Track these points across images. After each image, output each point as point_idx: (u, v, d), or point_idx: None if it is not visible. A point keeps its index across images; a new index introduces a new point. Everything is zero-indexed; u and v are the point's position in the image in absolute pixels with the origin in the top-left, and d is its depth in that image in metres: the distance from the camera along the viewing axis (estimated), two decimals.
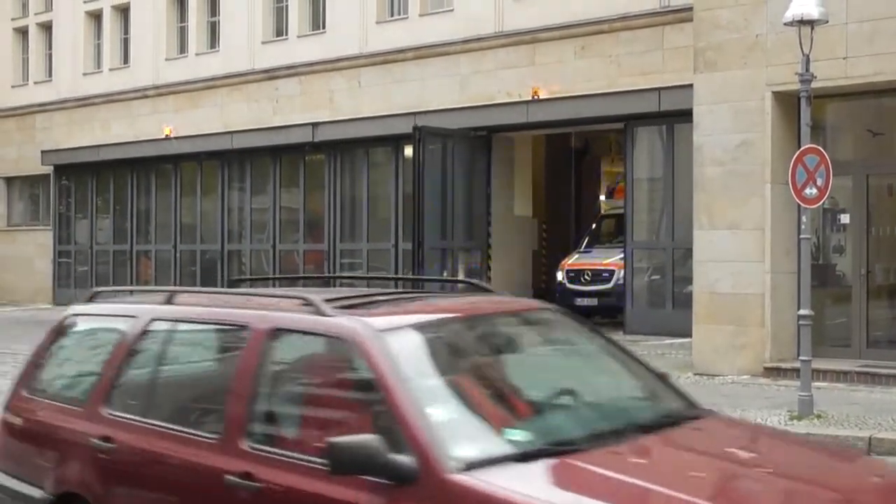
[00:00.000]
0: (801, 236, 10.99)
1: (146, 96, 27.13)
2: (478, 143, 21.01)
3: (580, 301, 19.78)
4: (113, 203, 28.93)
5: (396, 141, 21.97)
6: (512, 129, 21.13)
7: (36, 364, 6.22)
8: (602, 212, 22.79)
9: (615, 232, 21.24)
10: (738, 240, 13.59)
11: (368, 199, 23.13)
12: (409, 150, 20.61)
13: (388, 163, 22.87)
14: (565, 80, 19.62)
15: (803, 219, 10.97)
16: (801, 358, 10.88)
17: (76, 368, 6.19)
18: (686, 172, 15.75)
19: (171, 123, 26.26)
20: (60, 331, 6.26)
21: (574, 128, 21.77)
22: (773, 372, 13.20)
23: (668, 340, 17.22)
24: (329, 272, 23.42)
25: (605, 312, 20.55)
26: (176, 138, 26.09)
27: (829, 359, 13.07)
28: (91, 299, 6.35)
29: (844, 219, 13.77)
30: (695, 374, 13.64)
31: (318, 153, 23.95)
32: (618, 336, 18.34)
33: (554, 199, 24.39)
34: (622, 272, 19.25)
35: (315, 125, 23.25)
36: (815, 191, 10.69)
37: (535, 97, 19.80)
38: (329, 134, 23.08)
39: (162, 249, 27.47)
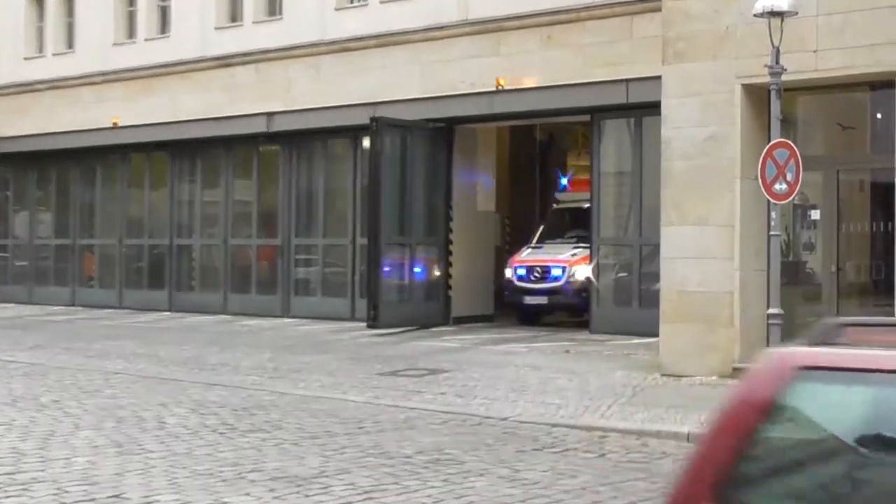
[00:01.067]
0: (771, 233, 11.01)
1: (92, 83, 26.77)
2: (438, 135, 20.95)
3: (529, 300, 19.82)
4: (56, 195, 28.56)
5: (355, 132, 21.85)
6: (475, 121, 21.10)
7: (722, 464, 3.33)
8: (556, 205, 22.65)
9: (569, 226, 21.25)
10: (707, 236, 13.59)
11: (325, 192, 23.02)
12: (367, 142, 20.50)
13: (346, 155, 22.75)
14: (531, 70, 19.56)
15: (773, 215, 10.98)
16: None
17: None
18: (654, 167, 15.74)
19: (118, 112, 25.93)
20: (772, 407, 3.35)
21: (539, 120, 21.78)
22: (742, 373, 13.16)
23: (635, 340, 17.20)
24: (282, 269, 23.28)
25: (555, 311, 20.56)
26: (124, 128, 25.78)
27: None
28: (829, 337, 3.42)
29: (815, 215, 13.84)
30: (662, 376, 13.63)
31: (274, 144, 23.81)
32: (583, 335, 18.38)
33: (518, 194, 24.38)
34: (575, 269, 19.28)
35: (270, 115, 23.08)
36: (784, 186, 10.71)
37: (500, 88, 19.73)
38: (285, 124, 22.92)
39: (106, 244, 27.16)
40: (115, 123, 25.91)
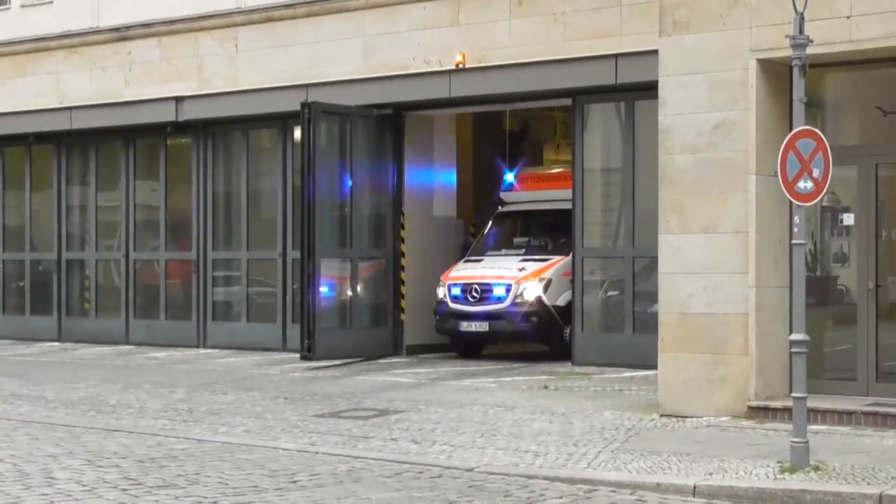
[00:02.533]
0: (794, 241, 10.99)
1: None
2: (386, 124, 20.92)
3: (466, 326, 19.54)
4: None
5: (283, 121, 21.83)
6: (430, 107, 21.09)
7: None
8: (501, 208, 22.12)
9: (517, 233, 21.09)
10: (715, 246, 13.58)
11: (248, 194, 22.92)
12: (298, 133, 20.41)
13: (273, 149, 22.70)
14: (498, 44, 19.57)
15: (796, 219, 10.97)
16: (793, 395, 10.86)
17: None
18: (650, 161, 15.75)
19: None
20: None
21: (509, 105, 21.78)
22: (760, 412, 13.20)
23: (628, 373, 17.23)
24: (198, 289, 23.10)
25: (498, 341, 20.32)
26: None
27: (829, 395, 13.09)
28: None
29: (848, 219, 13.88)
30: (661, 416, 13.61)
31: (184, 136, 23.72)
32: (564, 368, 18.38)
33: (484, 196, 24.34)
34: (524, 287, 19.11)
35: (179, 100, 23.00)
36: (810, 184, 10.70)
37: (460, 66, 19.74)
38: (197, 111, 22.84)
39: None
40: None
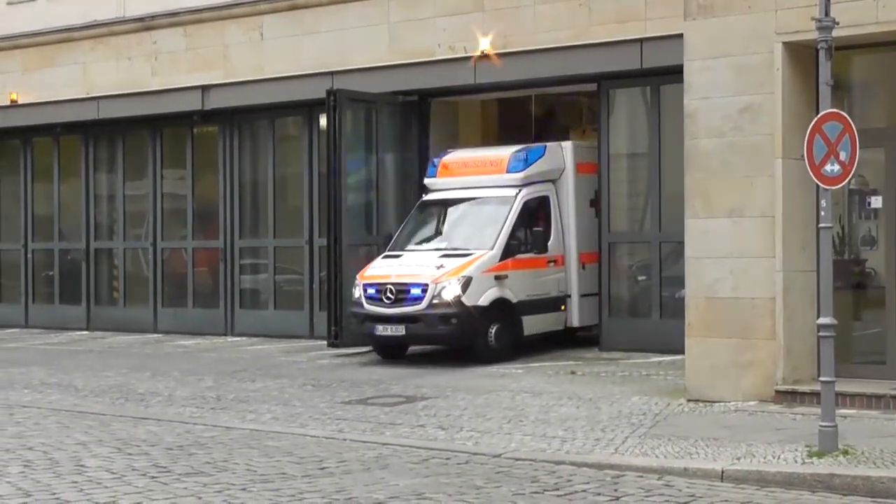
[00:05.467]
0: (821, 225, 10.95)
1: None
2: (411, 110, 20.91)
3: (382, 330, 17.68)
4: None
5: (309, 108, 21.85)
6: (455, 93, 21.10)
7: None
8: (424, 196, 19.97)
9: (439, 225, 19.45)
10: (742, 230, 13.56)
11: (275, 183, 22.97)
12: (324, 121, 20.43)
13: (299, 136, 22.73)
14: (523, 29, 19.53)
15: (823, 203, 10.93)
16: (822, 379, 10.84)
17: None
18: (676, 146, 15.72)
19: (16, 87, 25.79)
20: None
21: (534, 91, 21.71)
22: (787, 396, 13.18)
23: (655, 358, 17.22)
24: (225, 277, 23.18)
25: (417, 344, 18.59)
26: (23, 106, 25.61)
27: (857, 379, 13.03)
28: None
29: (876, 202, 13.79)
30: (688, 401, 13.60)
31: (210, 125, 23.76)
32: (592, 354, 18.35)
33: None
34: (442, 286, 17.39)
35: (205, 89, 23.05)
36: (837, 167, 10.66)
37: (485, 53, 19.70)
38: (223, 100, 22.88)
39: (9, 249, 27.09)
40: (12, 101, 25.79)
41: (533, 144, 19.54)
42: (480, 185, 19.04)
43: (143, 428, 12.87)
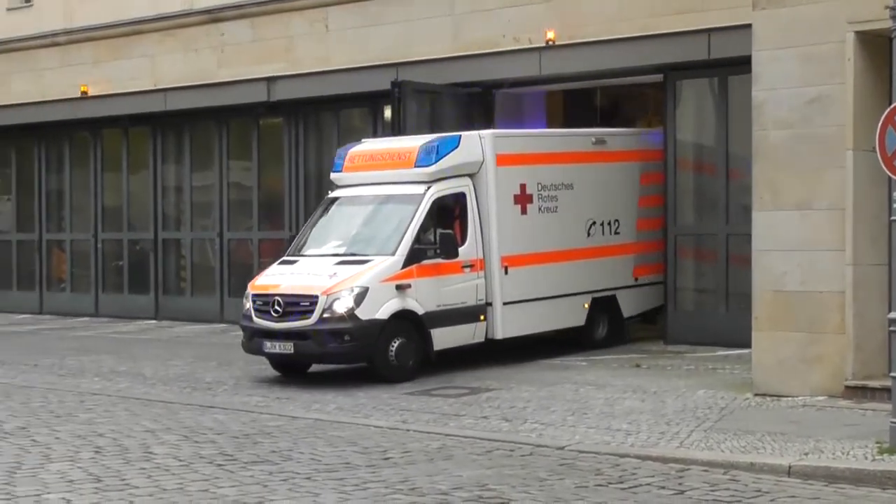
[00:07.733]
0: (893, 218, 10.82)
1: (56, 44, 26.90)
2: (475, 102, 20.87)
3: (270, 346, 15.65)
4: (16, 181, 28.73)
5: (374, 100, 21.84)
6: (520, 84, 21.01)
7: None
8: (329, 193, 17.94)
9: (340, 227, 17.22)
10: (810, 223, 13.43)
11: None
12: (389, 112, 20.46)
13: (363, 128, 22.75)
14: (588, 20, 19.44)
15: (895, 195, 10.79)
16: (892, 374, 10.71)
17: None
18: (743, 137, 15.58)
19: (87, 79, 26.05)
20: None
21: (599, 82, 21.62)
22: (857, 392, 13.04)
23: (722, 352, 17.10)
24: None
25: (310, 363, 16.39)
26: (94, 98, 25.85)
27: None
28: None
29: None
30: (755, 396, 13.51)
31: (276, 116, 23.84)
32: (657, 347, 18.26)
33: None
34: (334, 299, 15.31)
35: (271, 80, 23.14)
36: None
37: (550, 43, 19.64)
38: (289, 91, 22.96)
39: (79, 239, 27.36)
40: (83, 92, 26.03)
41: (446, 134, 17.29)
42: (385, 180, 16.86)
43: (209, 416, 13.00)
